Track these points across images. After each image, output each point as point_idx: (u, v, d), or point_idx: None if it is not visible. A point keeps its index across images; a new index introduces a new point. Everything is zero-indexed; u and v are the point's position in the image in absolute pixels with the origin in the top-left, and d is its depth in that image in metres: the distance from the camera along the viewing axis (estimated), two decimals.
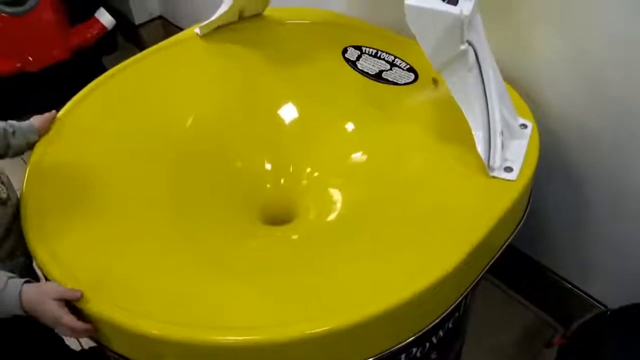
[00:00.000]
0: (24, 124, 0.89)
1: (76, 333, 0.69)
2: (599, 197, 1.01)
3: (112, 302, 0.69)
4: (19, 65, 1.58)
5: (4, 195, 0.79)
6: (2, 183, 0.81)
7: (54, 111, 0.94)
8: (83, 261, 0.74)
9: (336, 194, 0.94)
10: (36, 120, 0.91)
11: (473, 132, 0.81)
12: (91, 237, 0.78)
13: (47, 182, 0.85)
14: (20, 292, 0.69)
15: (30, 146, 0.90)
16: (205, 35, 1.12)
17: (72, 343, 0.88)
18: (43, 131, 0.91)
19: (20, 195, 0.83)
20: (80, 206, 0.82)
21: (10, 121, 0.87)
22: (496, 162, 0.80)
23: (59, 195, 0.84)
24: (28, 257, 0.80)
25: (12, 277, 0.71)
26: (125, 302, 0.69)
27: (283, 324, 0.68)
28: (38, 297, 0.68)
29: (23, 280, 0.71)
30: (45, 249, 0.75)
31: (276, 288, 0.74)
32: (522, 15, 0.94)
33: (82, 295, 0.68)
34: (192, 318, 0.68)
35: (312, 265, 0.78)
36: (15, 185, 0.86)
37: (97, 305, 0.69)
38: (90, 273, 0.72)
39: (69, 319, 0.68)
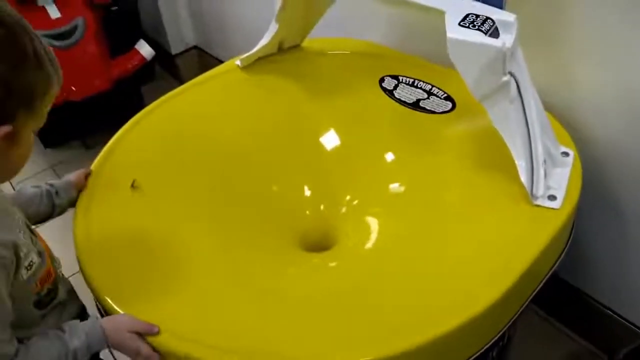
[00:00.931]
0: (62, 181, 0.88)
1: None
2: (637, 226, 1.00)
3: (177, 335, 0.70)
4: (62, 95, 1.65)
5: (61, 275, 0.79)
6: (56, 260, 0.79)
7: (90, 168, 0.94)
8: (146, 302, 0.75)
9: (375, 223, 0.95)
10: (72, 176, 0.90)
11: (516, 162, 0.81)
12: (146, 279, 0.79)
13: (97, 235, 0.85)
14: (103, 331, 0.69)
15: (72, 203, 0.88)
16: (246, 67, 1.15)
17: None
18: (80, 186, 0.90)
19: (76, 250, 0.82)
20: (131, 247, 0.83)
21: (49, 181, 0.87)
22: (540, 190, 0.80)
23: (111, 240, 0.84)
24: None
25: (80, 322, 0.72)
26: (191, 335, 0.70)
27: (323, 354, 0.69)
28: (114, 329, 0.69)
29: (95, 318, 0.72)
30: (114, 299, 0.76)
31: (317, 317, 0.75)
32: (565, 46, 0.94)
33: (159, 331, 0.69)
34: (252, 347, 0.69)
35: (351, 294, 0.79)
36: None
37: (165, 339, 0.70)
38: (154, 312, 0.73)
39: (146, 348, 0.68)
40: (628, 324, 1.11)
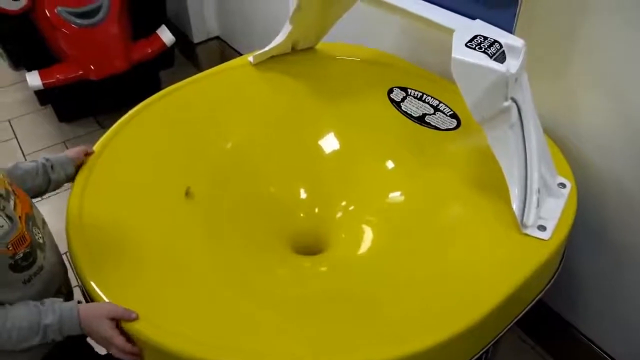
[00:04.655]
0: (60, 156, 0.90)
1: (125, 354, 0.70)
2: (633, 264, 0.99)
3: (155, 325, 0.71)
4: (81, 72, 1.68)
5: (41, 241, 0.78)
6: (38, 227, 0.79)
7: (91, 147, 0.95)
8: (130, 289, 0.75)
9: (369, 231, 0.95)
10: (70, 152, 0.92)
11: (509, 188, 0.81)
12: (134, 265, 0.80)
13: (90, 214, 0.86)
14: (78, 315, 0.70)
15: (70, 178, 0.90)
16: (258, 64, 1.16)
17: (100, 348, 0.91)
18: (78, 162, 0.91)
19: (66, 226, 0.84)
20: (121, 233, 0.84)
21: (45, 155, 0.88)
22: (530, 220, 0.80)
23: (102, 224, 0.85)
24: (69, 294, 0.82)
25: (62, 302, 0.73)
26: (169, 326, 0.71)
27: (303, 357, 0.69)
28: (93, 315, 0.71)
29: (75, 301, 0.73)
30: (96, 282, 0.76)
31: (302, 321, 0.75)
32: (573, 75, 0.94)
33: (137, 317, 0.70)
34: (230, 344, 0.70)
35: (336, 301, 0.79)
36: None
37: (143, 327, 0.71)
38: (136, 300, 0.74)
39: (119, 340, 0.70)
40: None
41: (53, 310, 0.71)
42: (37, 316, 0.70)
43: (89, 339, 0.76)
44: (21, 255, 0.73)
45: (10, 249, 0.71)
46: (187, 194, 0.82)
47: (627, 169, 0.93)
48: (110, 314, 0.70)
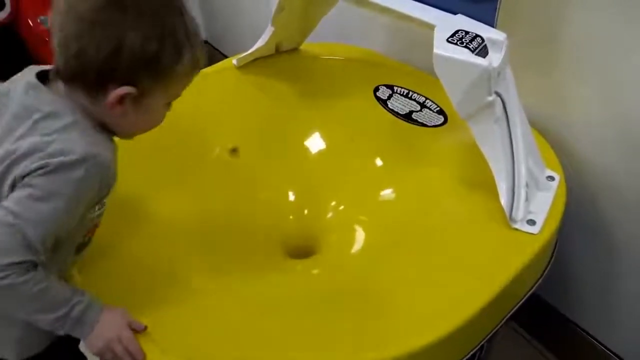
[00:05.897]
0: None
1: (127, 355, 0.67)
2: (625, 256, 0.99)
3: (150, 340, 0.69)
4: None
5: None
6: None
7: None
8: (123, 300, 0.73)
9: (360, 231, 0.95)
10: None
11: (497, 183, 0.80)
12: (125, 274, 0.78)
13: None
14: (101, 308, 0.68)
15: None
16: (242, 67, 1.15)
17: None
18: None
19: None
20: (112, 243, 0.82)
21: None
22: (519, 214, 0.79)
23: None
24: None
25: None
26: (168, 343, 0.69)
27: None
28: (113, 309, 0.69)
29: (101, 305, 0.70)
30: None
31: (297, 326, 0.74)
32: (557, 68, 0.93)
33: (145, 329, 0.69)
34: (230, 354, 0.69)
35: (331, 304, 0.78)
36: None
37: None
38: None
39: (128, 333, 0.67)
40: (606, 350, 1.09)
41: (84, 294, 0.68)
42: (71, 291, 0.67)
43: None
44: (86, 240, 0.74)
45: (91, 229, 0.73)
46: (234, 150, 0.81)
47: (620, 163, 0.92)
48: (124, 317, 0.69)
